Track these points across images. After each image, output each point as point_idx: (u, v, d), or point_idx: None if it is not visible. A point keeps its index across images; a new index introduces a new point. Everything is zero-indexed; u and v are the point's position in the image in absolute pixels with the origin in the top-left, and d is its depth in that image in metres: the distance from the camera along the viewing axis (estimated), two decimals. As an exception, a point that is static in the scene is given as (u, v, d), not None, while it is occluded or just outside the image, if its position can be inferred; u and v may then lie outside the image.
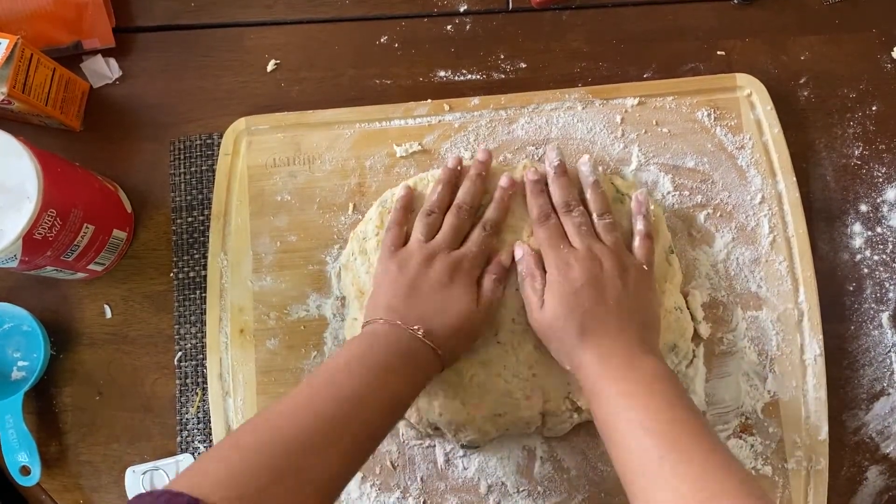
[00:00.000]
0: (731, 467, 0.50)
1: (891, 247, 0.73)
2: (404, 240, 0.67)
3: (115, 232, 0.71)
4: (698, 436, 0.52)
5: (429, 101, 0.74)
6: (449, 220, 0.66)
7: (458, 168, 0.69)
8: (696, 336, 0.69)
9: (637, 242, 0.66)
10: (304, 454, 0.49)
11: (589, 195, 0.67)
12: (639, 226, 0.66)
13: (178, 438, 0.71)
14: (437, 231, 0.66)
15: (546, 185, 0.68)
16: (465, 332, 0.62)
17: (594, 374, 0.58)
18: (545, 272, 0.64)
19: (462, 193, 0.67)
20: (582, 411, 0.66)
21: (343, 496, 0.68)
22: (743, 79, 0.74)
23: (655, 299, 0.64)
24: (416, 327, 0.59)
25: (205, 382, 0.71)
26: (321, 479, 0.50)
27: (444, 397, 0.65)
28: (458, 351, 0.63)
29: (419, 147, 0.73)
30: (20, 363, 0.73)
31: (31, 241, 0.60)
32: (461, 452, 0.68)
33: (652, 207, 0.69)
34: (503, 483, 0.68)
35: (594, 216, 0.66)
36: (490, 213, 0.67)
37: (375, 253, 0.68)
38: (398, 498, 0.68)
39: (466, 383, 0.65)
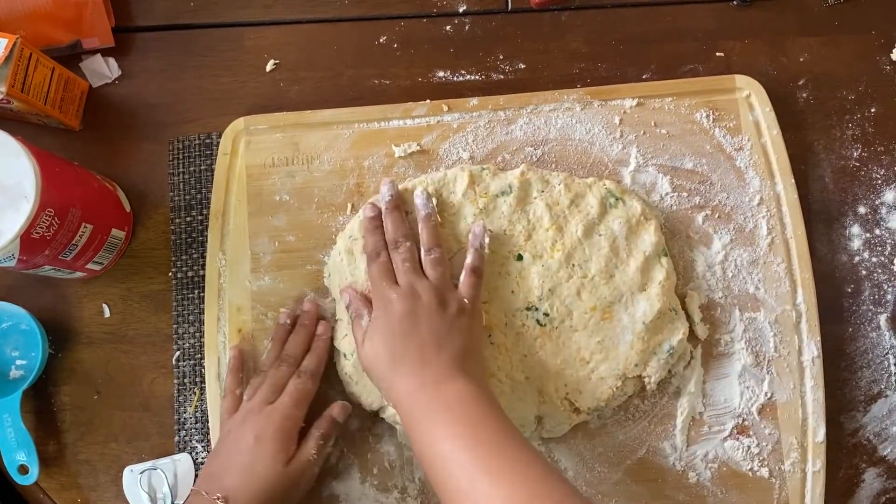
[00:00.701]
0: (540, 477, 0.51)
1: (889, 249, 0.73)
2: (237, 405, 0.67)
3: (114, 231, 0.71)
4: (504, 452, 0.53)
5: (427, 101, 0.74)
6: (269, 375, 0.66)
7: (289, 323, 0.70)
8: (694, 337, 0.70)
9: (462, 278, 0.65)
10: None
11: (420, 228, 0.67)
12: (468, 259, 0.66)
13: (176, 438, 0.71)
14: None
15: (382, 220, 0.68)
16: (272, 496, 0.61)
17: (406, 406, 0.59)
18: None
19: (288, 345, 0.68)
20: (581, 412, 0.67)
21: (341, 496, 0.68)
22: (742, 80, 0.74)
23: (478, 329, 0.65)
24: (217, 496, 0.59)
25: (203, 382, 0.71)
26: None
27: None
28: None
29: (418, 147, 0.73)
30: (18, 362, 0.73)
31: (29, 241, 0.60)
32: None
33: (639, 210, 0.69)
34: (500, 484, 0.68)
35: (422, 251, 0.66)
36: (307, 362, 0.67)
37: (361, 254, 0.68)
38: (397, 498, 0.68)
39: None
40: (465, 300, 0.64)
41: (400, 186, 0.70)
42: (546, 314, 0.67)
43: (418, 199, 0.68)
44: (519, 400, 0.66)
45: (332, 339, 0.69)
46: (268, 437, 0.62)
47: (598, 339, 0.67)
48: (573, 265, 0.68)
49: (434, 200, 0.68)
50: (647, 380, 0.67)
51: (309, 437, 0.64)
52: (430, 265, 0.65)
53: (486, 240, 0.67)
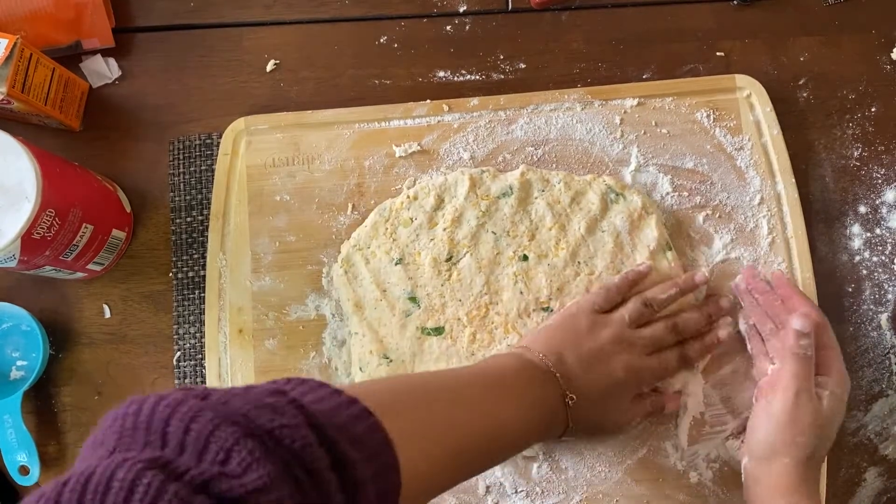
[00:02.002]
0: None
1: (890, 248, 0.73)
2: (611, 307, 0.65)
3: (114, 232, 0.71)
4: None
5: (428, 101, 0.74)
6: (660, 327, 0.65)
7: (700, 284, 0.68)
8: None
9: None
10: (452, 412, 0.51)
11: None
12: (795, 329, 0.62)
13: (177, 438, 0.71)
14: (644, 325, 0.65)
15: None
16: (597, 428, 0.63)
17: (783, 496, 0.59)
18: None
19: (687, 318, 0.67)
20: None
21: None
22: (742, 80, 0.74)
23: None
24: (569, 391, 0.59)
25: (203, 382, 0.71)
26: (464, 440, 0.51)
27: None
28: (575, 436, 0.62)
29: (418, 147, 0.73)
30: (19, 363, 0.73)
31: (29, 241, 0.60)
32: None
33: (640, 204, 0.69)
34: (501, 483, 0.68)
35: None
36: (695, 351, 0.66)
37: (367, 264, 0.69)
38: (396, 498, 0.68)
39: None
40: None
41: (405, 195, 0.70)
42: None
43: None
44: None
45: (711, 344, 0.67)
46: (631, 389, 0.63)
47: None
48: (579, 262, 0.68)
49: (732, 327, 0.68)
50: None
51: (641, 404, 0.65)
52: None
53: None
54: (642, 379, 0.64)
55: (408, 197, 0.70)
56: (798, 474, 0.59)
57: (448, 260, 0.69)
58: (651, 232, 0.68)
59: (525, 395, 0.57)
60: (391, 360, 0.68)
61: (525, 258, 0.68)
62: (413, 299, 0.68)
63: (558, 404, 0.59)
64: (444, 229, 0.69)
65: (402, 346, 0.68)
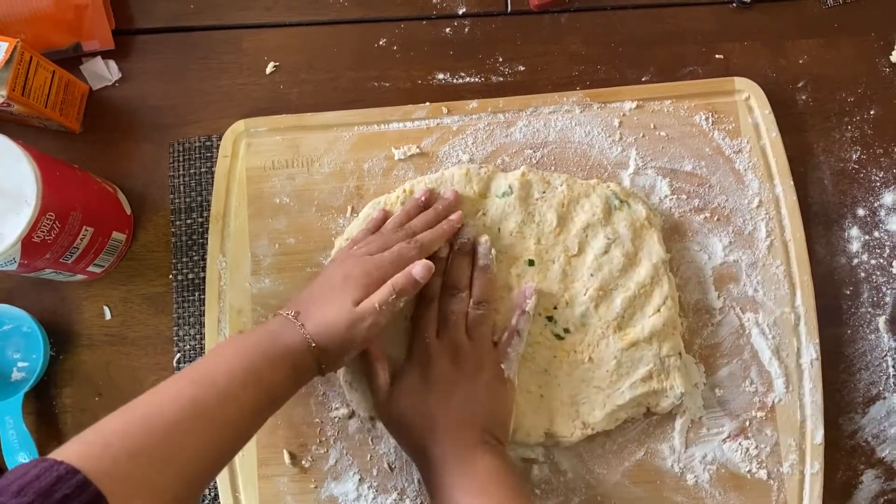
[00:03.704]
0: None
1: (888, 251, 0.74)
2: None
3: (115, 234, 0.71)
4: None
5: (427, 103, 0.74)
6: (384, 235, 0.66)
7: (424, 199, 0.69)
8: (692, 341, 0.70)
9: (504, 337, 0.66)
10: (167, 435, 0.50)
11: (474, 277, 0.67)
12: (514, 321, 0.66)
13: (177, 439, 0.72)
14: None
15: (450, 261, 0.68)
16: (335, 329, 0.59)
17: (436, 470, 0.60)
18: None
19: (417, 220, 0.67)
20: (587, 426, 0.67)
21: (340, 497, 0.68)
22: (741, 82, 0.74)
23: (511, 395, 0.65)
24: (290, 312, 0.59)
25: (203, 384, 0.72)
26: (181, 460, 0.50)
27: None
28: (333, 352, 0.60)
29: (417, 150, 0.73)
30: (20, 364, 0.73)
31: (30, 245, 0.60)
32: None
33: (644, 214, 0.69)
34: (500, 485, 0.68)
35: (471, 302, 0.66)
36: (423, 234, 0.65)
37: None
38: (395, 500, 0.68)
39: None
40: (503, 367, 0.65)
41: (402, 189, 0.70)
42: (566, 330, 0.68)
43: (481, 247, 0.67)
44: (533, 412, 0.66)
45: (454, 231, 0.67)
46: (352, 278, 0.61)
47: (612, 367, 0.67)
48: (591, 274, 0.68)
49: (493, 252, 0.68)
50: (657, 409, 0.68)
51: (383, 287, 0.61)
52: (476, 320, 0.65)
53: (533, 301, 0.66)
54: (368, 270, 0.61)
55: (404, 191, 0.70)
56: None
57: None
58: (654, 246, 0.69)
59: (259, 362, 0.56)
60: None
61: (532, 263, 0.68)
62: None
63: (293, 340, 0.58)
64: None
65: (389, 338, 0.68)
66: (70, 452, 0.46)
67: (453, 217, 0.67)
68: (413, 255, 0.63)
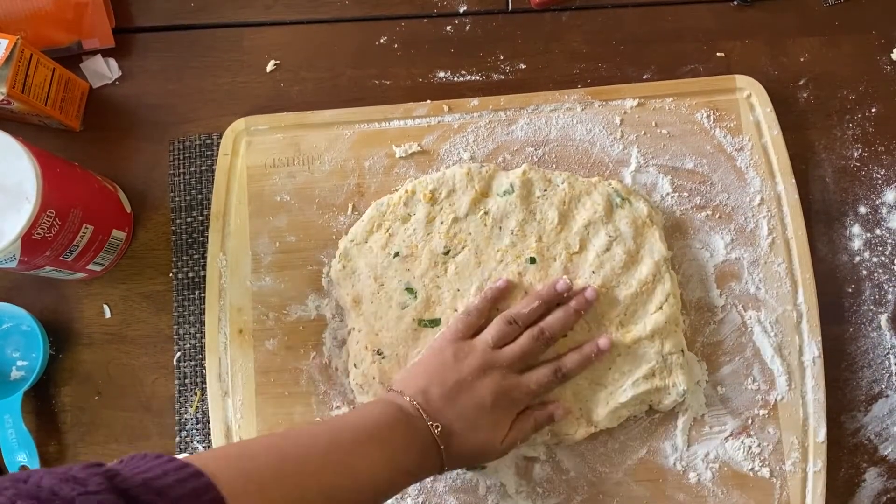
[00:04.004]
0: None
1: (889, 249, 0.73)
2: (475, 331, 0.65)
3: (115, 232, 0.71)
4: None
5: (428, 101, 0.74)
6: (525, 340, 0.64)
7: (563, 293, 0.66)
8: (694, 339, 0.70)
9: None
10: (302, 467, 0.51)
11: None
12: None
13: (177, 438, 0.71)
14: (509, 343, 0.64)
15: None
16: (476, 458, 0.62)
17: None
18: None
19: (552, 319, 0.65)
20: (591, 423, 0.66)
21: (341, 497, 0.68)
22: (742, 80, 0.74)
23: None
24: (436, 426, 0.59)
25: (204, 383, 0.71)
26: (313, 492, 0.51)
27: None
28: (458, 468, 0.63)
29: (418, 148, 0.73)
30: (19, 363, 0.73)
31: (30, 242, 0.60)
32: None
33: (646, 211, 0.69)
34: (502, 484, 0.68)
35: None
36: (571, 362, 0.65)
37: (364, 258, 0.69)
38: (396, 498, 0.68)
39: None
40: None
41: (403, 189, 0.70)
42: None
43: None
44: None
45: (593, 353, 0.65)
46: (504, 411, 0.62)
47: (616, 365, 0.67)
48: (593, 272, 0.68)
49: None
50: (660, 407, 0.68)
51: (526, 421, 0.63)
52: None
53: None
54: (515, 399, 0.62)
55: (406, 191, 0.70)
56: None
57: (446, 254, 0.69)
58: (656, 244, 0.68)
59: (390, 440, 0.56)
60: (384, 357, 0.68)
61: (533, 261, 0.68)
62: (410, 290, 0.68)
63: (429, 442, 0.58)
64: (442, 223, 0.69)
65: (397, 339, 0.68)
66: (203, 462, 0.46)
67: (602, 343, 0.65)
68: (556, 384, 0.65)
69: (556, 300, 0.66)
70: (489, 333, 0.64)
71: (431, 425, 0.59)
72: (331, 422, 0.59)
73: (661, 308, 0.67)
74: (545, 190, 0.70)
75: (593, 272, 0.68)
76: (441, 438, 0.59)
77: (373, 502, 0.56)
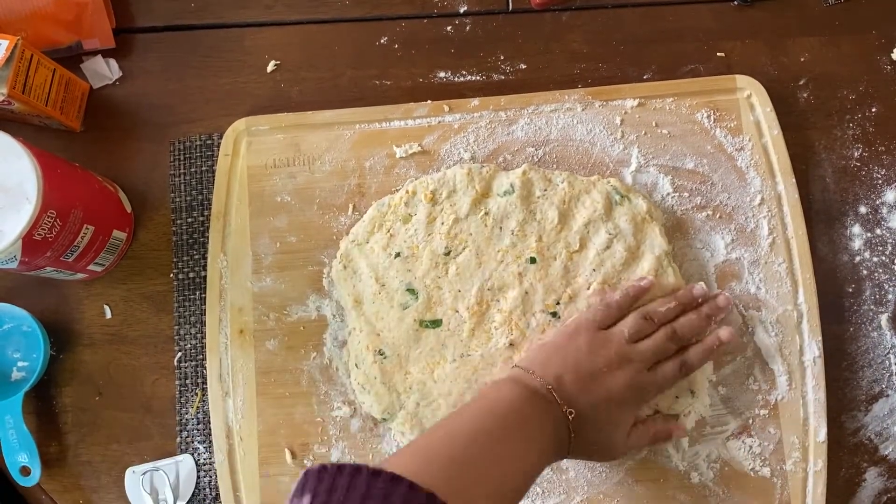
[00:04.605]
0: None
1: (890, 248, 0.73)
2: (610, 324, 0.65)
3: (115, 232, 0.71)
4: None
5: (428, 102, 0.74)
6: (661, 336, 0.64)
7: (699, 298, 0.67)
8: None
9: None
10: (489, 466, 0.52)
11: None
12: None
13: (178, 439, 0.71)
14: (644, 339, 0.64)
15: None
16: (600, 452, 0.62)
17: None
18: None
19: (685, 321, 0.65)
20: None
21: (342, 497, 0.68)
22: (742, 80, 0.74)
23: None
24: (570, 412, 0.58)
25: (204, 383, 0.71)
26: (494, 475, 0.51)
27: None
28: (580, 456, 0.62)
29: (419, 148, 0.73)
30: (20, 363, 0.73)
31: (30, 242, 0.60)
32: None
33: (645, 208, 0.69)
34: (502, 484, 0.68)
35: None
36: (695, 355, 0.65)
37: (365, 258, 0.69)
38: (397, 498, 0.68)
39: None
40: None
41: (404, 190, 0.70)
42: None
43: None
44: None
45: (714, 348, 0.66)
46: (631, 408, 0.62)
47: None
48: (593, 270, 0.68)
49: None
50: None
51: (646, 430, 0.64)
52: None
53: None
54: (644, 394, 0.63)
55: (406, 192, 0.70)
56: None
57: (447, 254, 0.69)
58: (656, 239, 0.68)
59: (533, 425, 0.57)
60: (385, 357, 0.68)
61: (533, 260, 0.68)
62: (411, 291, 0.68)
63: (562, 428, 0.58)
64: (443, 223, 0.69)
65: (399, 339, 0.68)
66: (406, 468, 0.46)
67: (724, 335, 0.66)
68: (680, 377, 0.65)
69: (691, 303, 0.67)
70: (626, 325, 0.64)
71: (566, 410, 0.58)
72: (475, 411, 0.57)
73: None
74: (545, 190, 0.70)
75: (594, 270, 0.68)
76: (574, 425, 0.58)
77: (527, 488, 0.56)
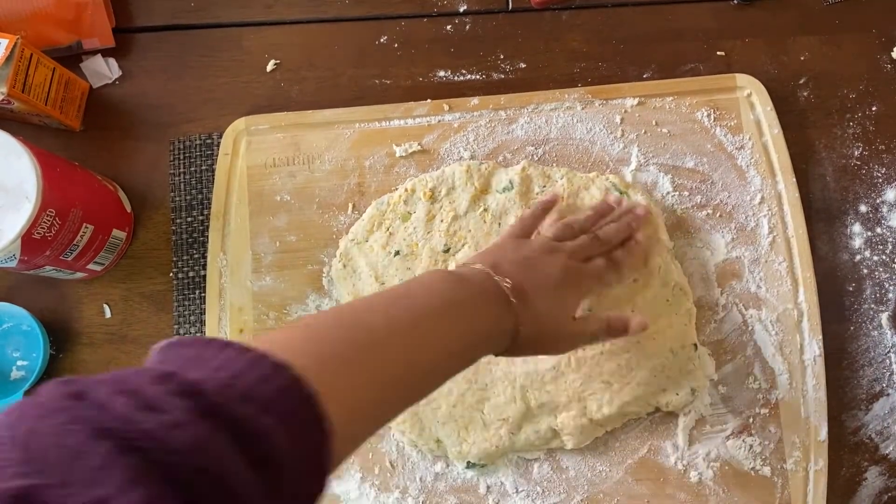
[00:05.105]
0: None
1: (890, 247, 0.73)
2: (529, 234, 0.64)
3: (115, 232, 0.71)
4: None
5: (428, 101, 0.74)
6: (583, 238, 0.63)
7: (615, 206, 0.67)
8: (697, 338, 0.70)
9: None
10: (372, 346, 0.46)
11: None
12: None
13: (178, 438, 0.71)
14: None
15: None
16: (548, 334, 0.58)
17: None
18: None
19: (606, 228, 0.65)
20: (594, 422, 0.66)
21: (342, 496, 0.68)
22: (742, 79, 0.74)
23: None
24: (506, 281, 0.55)
25: (204, 382, 0.71)
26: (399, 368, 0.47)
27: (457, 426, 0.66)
28: (531, 346, 0.57)
29: (419, 147, 0.73)
30: (20, 363, 0.73)
31: (30, 241, 0.60)
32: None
33: (644, 203, 0.69)
34: (502, 483, 0.68)
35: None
36: (623, 257, 0.64)
37: (365, 257, 0.69)
38: (397, 498, 0.68)
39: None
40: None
41: (403, 187, 0.70)
42: None
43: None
44: (538, 410, 0.66)
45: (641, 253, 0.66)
46: (571, 290, 0.60)
47: (624, 361, 0.66)
48: None
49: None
50: (666, 407, 0.67)
51: (590, 320, 0.61)
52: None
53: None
54: (580, 280, 0.61)
55: (406, 190, 0.70)
56: None
57: (446, 251, 0.69)
58: (656, 234, 0.68)
59: (468, 306, 0.53)
60: None
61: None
62: None
63: (502, 300, 0.54)
64: (442, 221, 0.69)
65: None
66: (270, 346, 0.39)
67: (640, 237, 0.66)
68: (610, 279, 0.64)
69: (607, 212, 0.67)
70: (548, 231, 0.64)
71: (501, 280, 0.55)
72: (397, 292, 0.52)
73: (668, 301, 0.67)
74: (544, 186, 0.70)
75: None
76: (513, 293, 0.55)
77: (452, 369, 0.52)
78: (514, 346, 0.55)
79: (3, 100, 0.67)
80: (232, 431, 0.33)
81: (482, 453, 0.66)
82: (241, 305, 0.71)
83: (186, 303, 0.73)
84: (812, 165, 0.75)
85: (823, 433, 0.68)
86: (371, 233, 0.70)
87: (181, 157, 0.76)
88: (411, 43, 0.78)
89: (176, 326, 0.73)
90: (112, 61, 0.77)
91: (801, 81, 0.76)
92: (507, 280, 0.55)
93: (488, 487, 0.68)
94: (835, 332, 0.71)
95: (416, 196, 0.70)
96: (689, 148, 0.73)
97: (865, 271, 0.73)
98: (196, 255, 0.74)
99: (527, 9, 0.79)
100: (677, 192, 0.72)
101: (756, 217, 0.72)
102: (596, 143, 0.73)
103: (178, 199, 0.75)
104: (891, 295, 0.73)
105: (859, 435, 0.71)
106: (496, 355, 0.56)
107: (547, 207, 0.67)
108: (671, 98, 0.74)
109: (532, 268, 0.58)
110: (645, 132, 0.73)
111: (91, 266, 0.70)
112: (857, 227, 0.74)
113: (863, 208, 0.74)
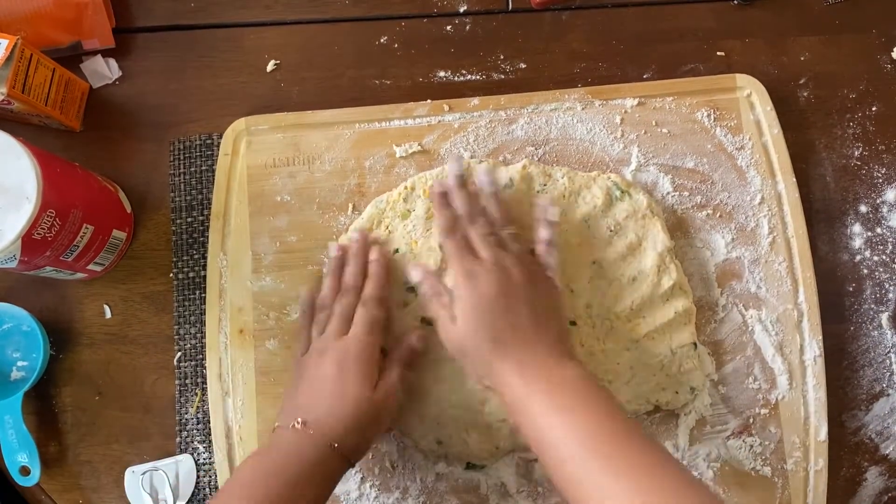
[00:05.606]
0: (670, 477, 0.49)
1: (890, 247, 0.73)
2: (308, 345, 0.66)
3: (115, 232, 0.71)
4: (623, 443, 0.51)
5: (428, 101, 0.74)
6: (335, 308, 0.65)
7: (343, 255, 0.68)
8: (697, 337, 0.70)
9: (541, 249, 0.64)
10: None
11: (490, 206, 0.65)
12: (542, 233, 0.64)
13: (178, 439, 0.71)
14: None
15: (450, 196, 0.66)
16: (361, 422, 0.59)
17: (517, 387, 0.56)
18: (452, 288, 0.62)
19: (346, 276, 0.66)
20: None
21: (342, 496, 0.68)
22: (743, 79, 0.74)
23: (563, 305, 0.64)
24: (298, 420, 0.58)
25: (204, 383, 0.71)
26: None
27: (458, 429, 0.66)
28: (360, 443, 0.60)
29: (419, 147, 0.73)
30: (20, 363, 0.73)
31: (30, 242, 0.60)
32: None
33: (645, 203, 0.69)
34: (503, 484, 0.68)
35: (496, 229, 0.64)
36: (368, 289, 0.65)
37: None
38: (398, 498, 0.68)
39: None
40: (550, 275, 0.62)
41: (403, 186, 0.70)
42: (572, 322, 0.67)
43: (482, 176, 0.66)
44: None
45: (385, 268, 0.67)
46: (350, 365, 0.61)
47: (624, 360, 0.66)
48: (593, 263, 0.68)
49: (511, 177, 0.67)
50: (666, 405, 0.67)
51: (391, 364, 0.63)
52: (509, 239, 0.63)
53: (555, 210, 0.65)
54: (349, 351, 0.62)
55: (405, 188, 0.70)
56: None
57: None
58: (658, 234, 0.68)
59: (302, 477, 0.57)
60: (386, 356, 0.67)
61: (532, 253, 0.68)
62: (411, 289, 0.68)
63: (327, 456, 0.58)
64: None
65: (399, 337, 0.67)
66: None
67: (373, 256, 0.67)
68: (376, 313, 0.64)
69: (341, 266, 0.68)
70: (314, 332, 0.66)
71: (297, 426, 0.59)
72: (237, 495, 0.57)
73: (668, 300, 0.67)
74: (545, 185, 0.69)
75: (615, 279, 0.68)
76: (316, 431, 0.58)
77: None
78: (356, 453, 0.61)
79: (3, 100, 0.67)
80: None
81: (483, 454, 0.66)
82: (241, 306, 0.71)
83: (186, 303, 0.73)
84: (812, 165, 0.75)
85: (823, 433, 0.68)
86: (370, 231, 0.70)
87: (181, 157, 0.76)
88: (411, 43, 0.78)
89: (176, 327, 0.73)
90: (112, 61, 0.77)
91: (801, 81, 0.77)
92: (299, 419, 0.59)
93: (489, 488, 0.68)
94: (835, 333, 0.71)
95: (415, 194, 0.70)
96: (689, 148, 0.73)
97: (865, 271, 0.73)
98: (196, 256, 0.74)
99: (527, 9, 0.79)
100: (677, 193, 0.72)
101: (756, 217, 0.72)
102: (596, 144, 0.73)
103: (178, 199, 0.75)
104: (891, 295, 0.73)
105: (859, 435, 0.71)
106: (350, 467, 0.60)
107: (305, 311, 0.68)
108: (671, 98, 0.74)
109: (316, 389, 0.61)
110: (645, 132, 0.73)
111: (91, 266, 0.70)
112: (857, 228, 0.74)
113: (863, 208, 0.74)
